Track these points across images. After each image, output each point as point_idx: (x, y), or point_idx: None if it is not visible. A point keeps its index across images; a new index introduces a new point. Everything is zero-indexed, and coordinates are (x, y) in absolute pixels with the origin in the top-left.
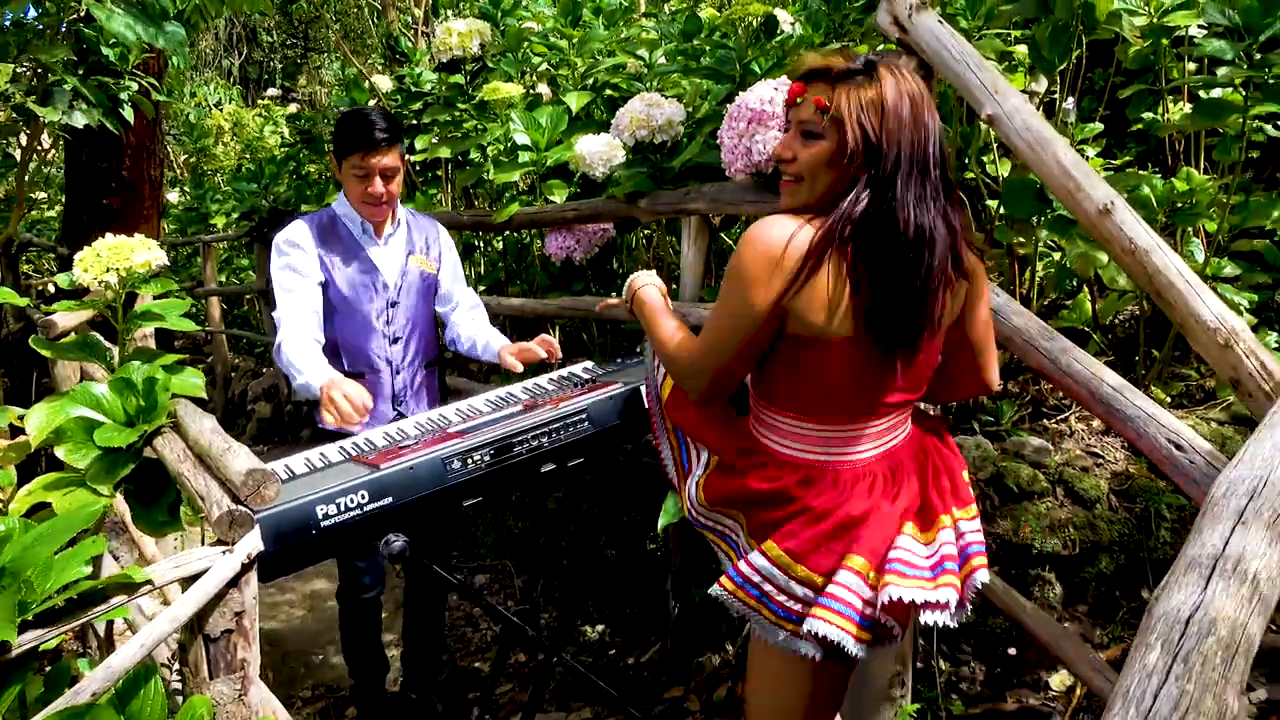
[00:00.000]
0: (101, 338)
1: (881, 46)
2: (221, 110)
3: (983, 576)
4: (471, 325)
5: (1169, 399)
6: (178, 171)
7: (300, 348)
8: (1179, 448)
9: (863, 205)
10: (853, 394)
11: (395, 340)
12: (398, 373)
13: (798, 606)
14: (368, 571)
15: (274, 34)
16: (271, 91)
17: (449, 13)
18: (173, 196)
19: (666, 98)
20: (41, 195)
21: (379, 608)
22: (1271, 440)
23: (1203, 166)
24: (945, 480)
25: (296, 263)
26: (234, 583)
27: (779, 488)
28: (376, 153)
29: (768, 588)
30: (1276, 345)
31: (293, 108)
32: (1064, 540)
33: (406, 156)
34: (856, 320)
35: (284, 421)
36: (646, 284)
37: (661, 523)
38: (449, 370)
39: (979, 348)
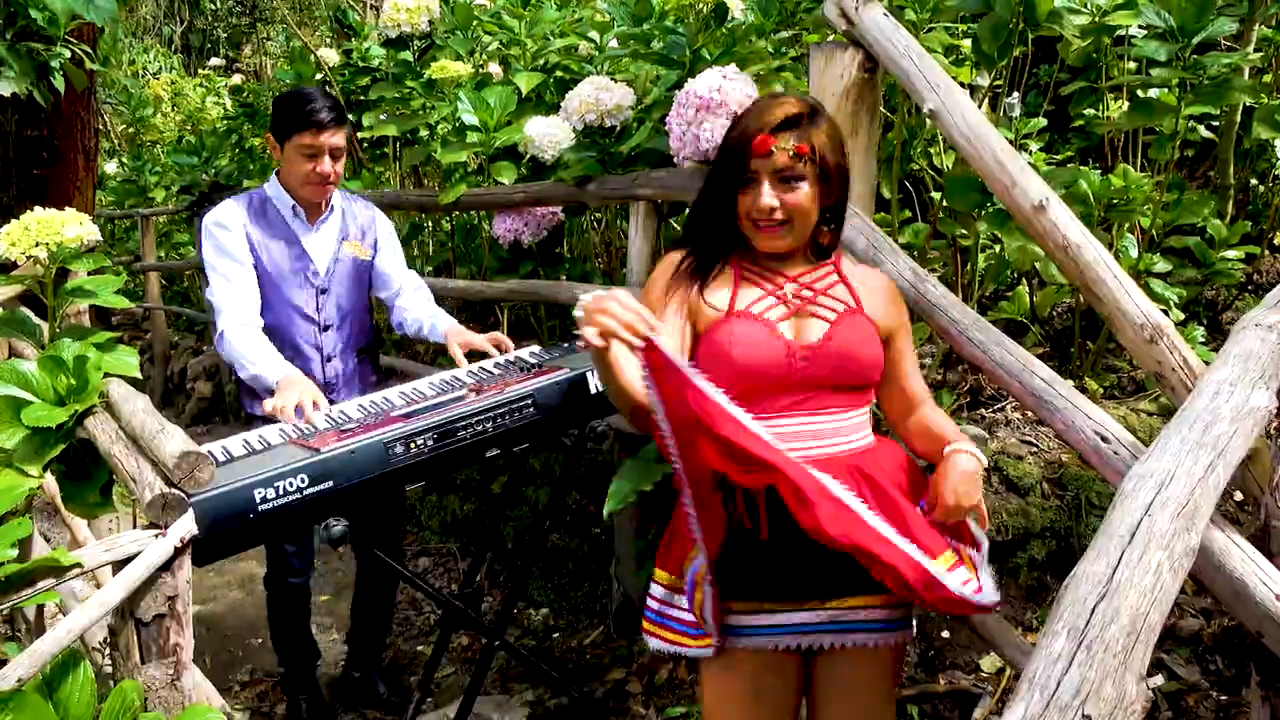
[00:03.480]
0: (31, 313)
1: (832, 37)
2: (160, 79)
3: None
4: (417, 308)
5: (1101, 390)
6: (115, 142)
7: (247, 337)
8: (1105, 439)
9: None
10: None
11: (326, 328)
12: (328, 360)
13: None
14: (296, 555)
15: (218, 1)
16: (214, 61)
17: None
18: (110, 167)
19: (616, 82)
20: None
21: (307, 593)
22: (1179, 435)
23: (1140, 163)
24: None
25: (227, 244)
26: (167, 567)
27: None
28: (325, 131)
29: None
30: (1204, 340)
31: (236, 79)
32: (998, 526)
33: (354, 133)
34: None
35: (225, 401)
36: None
37: (607, 508)
38: (393, 351)
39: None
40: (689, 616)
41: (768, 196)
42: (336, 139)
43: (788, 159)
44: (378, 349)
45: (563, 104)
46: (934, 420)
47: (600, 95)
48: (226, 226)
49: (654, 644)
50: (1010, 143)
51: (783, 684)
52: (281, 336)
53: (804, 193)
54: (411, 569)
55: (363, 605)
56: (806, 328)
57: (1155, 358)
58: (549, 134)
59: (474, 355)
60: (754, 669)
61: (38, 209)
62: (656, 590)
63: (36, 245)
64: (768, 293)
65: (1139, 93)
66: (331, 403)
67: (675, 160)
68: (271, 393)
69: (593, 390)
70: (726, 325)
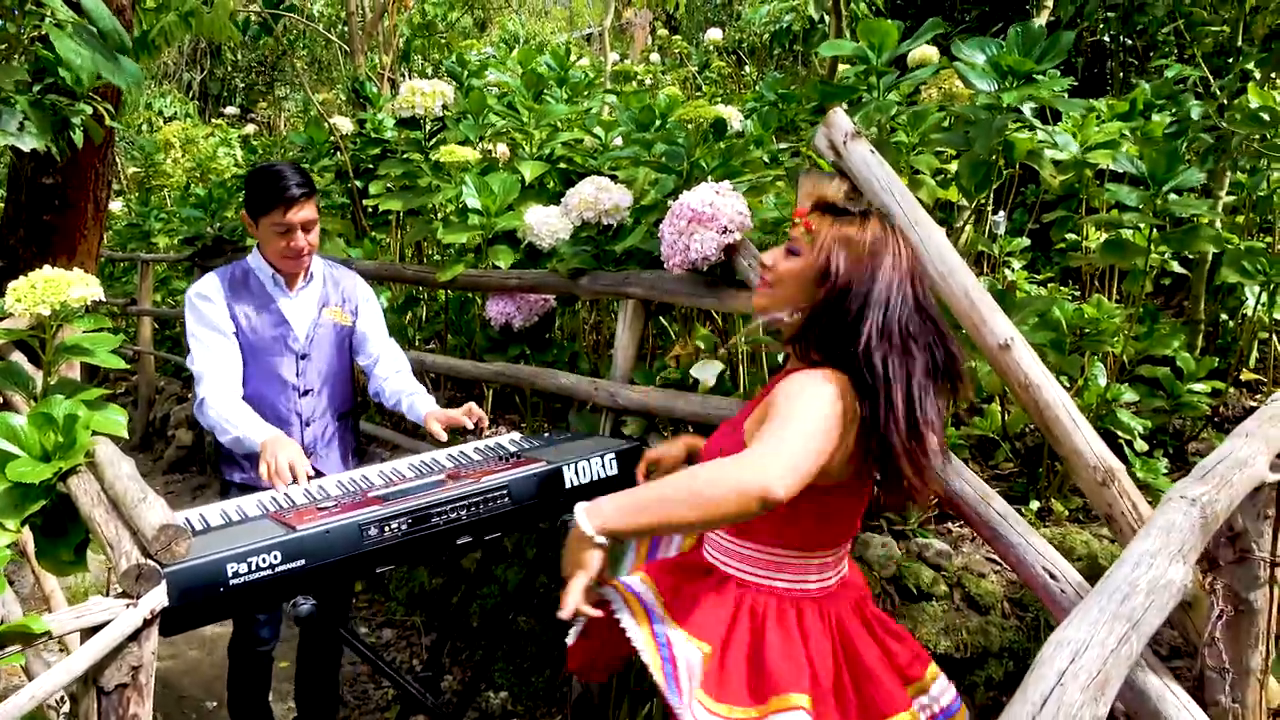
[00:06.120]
0: (25, 361)
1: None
2: (172, 124)
3: None
4: (397, 380)
5: (1067, 512)
6: (124, 184)
7: (228, 403)
8: (1054, 577)
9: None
10: (841, 531)
11: (305, 393)
12: (308, 425)
13: None
14: (267, 624)
15: (240, 54)
16: (230, 110)
17: (418, 59)
18: (116, 206)
19: (617, 183)
20: None
21: (270, 662)
22: (1098, 605)
23: (1117, 288)
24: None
25: (209, 314)
26: (134, 637)
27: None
28: (295, 207)
29: None
30: (1167, 471)
31: (250, 128)
32: (957, 643)
33: (359, 200)
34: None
35: (204, 451)
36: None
37: None
38: (377, 417)
39: None
40: None
41: (770, 253)
42: (306, 212)
43: (798, 231)
44: (358, 414)
45: (564, 199)
46: None
47: (600, 195)
48: (209, 298)
49: None
50: (994, 260)
51: None
52: (262, 403)
53: (791, 265)
54: (375, 640)
55: (308, 679)
56: None
57: (1107, 500)
58: (547, 223)
59: (458, 431)
60: None
61: (48, 267)
62: None
63: (42, 303)
64: None
65: (1115, 230)
66: (315, 469)
67: (665, 265)
68: (254, 457)
69: (568, 485)
70: None
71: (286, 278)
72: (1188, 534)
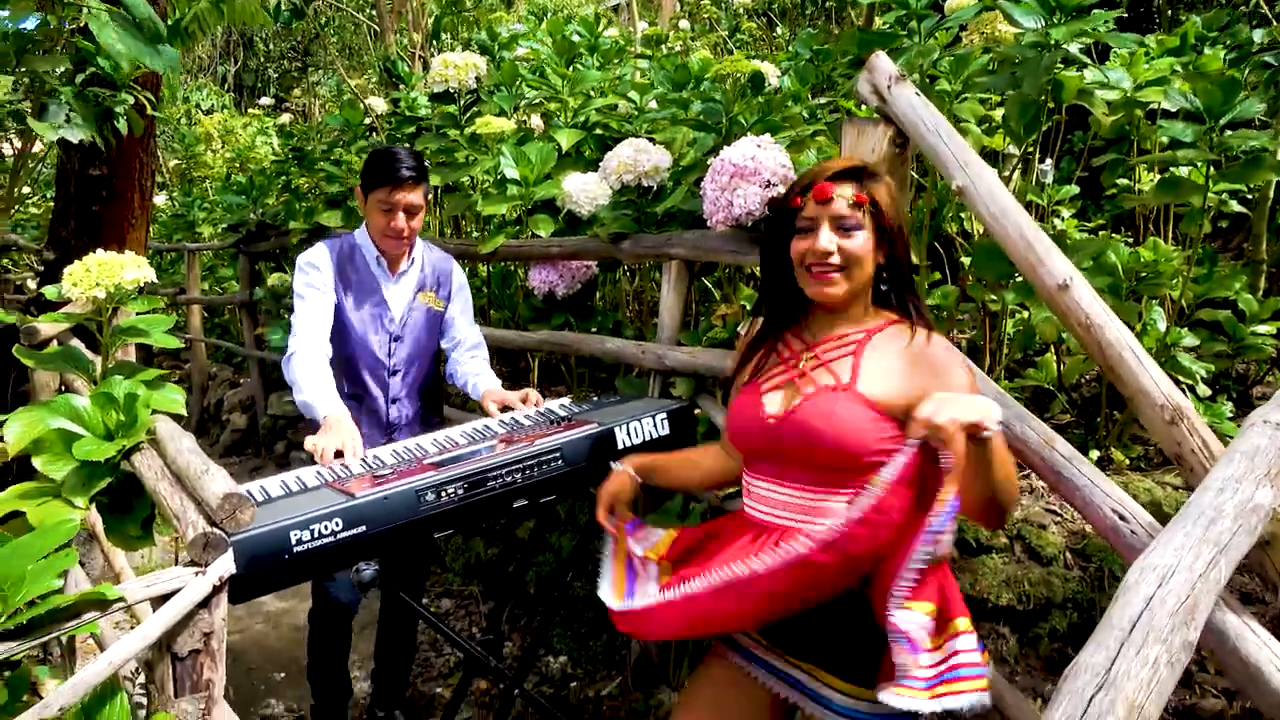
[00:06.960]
0: (83, 347)
1: (864, 107)
2: (212, 116)
3: None
4: (469, 364)
5: (1128, 461)
6: (166, 177)
7: (312, 366)
8: (1123, 518)
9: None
10: None
11: (394, 372)
12: (393, 402)
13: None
14: (348, 587)
15: (271, 43)
16: (265, 100)
17: (447, 38)
18: (160, 200)
19: (655, 144)
20: (27, 190)
21: (351, 628)
22: (1183, 530)
23: (1172, 233)
24: None
25: (315, 280)
26: (204, 604)
27: None
28: (401, 189)
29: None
30: (1231, 415)
31: (285, 117)
32: (1019, 595)
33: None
34: None
35: (258, 433)
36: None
37: None
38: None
39: None
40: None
41: (825, 240)
42: (413, 196)
43: (847, 206)
44: (441, 394)
45: (601, 163)
46: None
47: (639, 157)
48: (317, 266)
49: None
50: (1042, 209)
51: (744, 708)
52: (353, 376)
53: (861, 242)
54: (434, 610)
55: (386, 643)
56: (794, 399)
57: (1175, 439)
58: (586, 190)
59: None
60: (727, 679)
61: (100, 251)
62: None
63: (96, 286)
64: (782, 360)
65: (1170, 169)
66: (392, 442)
67: (708, 223)
68: (316, 425)
69: (619, 445)
70: (738, 396)
71: (390, 260)
72: (1274, 457)
